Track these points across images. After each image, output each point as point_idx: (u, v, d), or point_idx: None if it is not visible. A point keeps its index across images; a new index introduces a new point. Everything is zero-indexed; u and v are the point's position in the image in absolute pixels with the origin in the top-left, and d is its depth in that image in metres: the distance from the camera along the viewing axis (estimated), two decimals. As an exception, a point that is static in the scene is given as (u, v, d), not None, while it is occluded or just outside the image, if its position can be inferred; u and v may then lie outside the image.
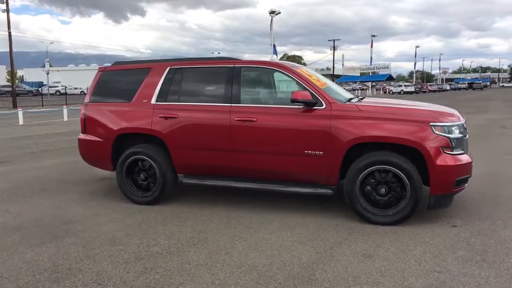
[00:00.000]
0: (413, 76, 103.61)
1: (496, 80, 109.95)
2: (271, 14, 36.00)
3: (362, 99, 4.67)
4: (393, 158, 3.93)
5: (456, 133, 3.92)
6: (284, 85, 5.13)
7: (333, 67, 72.19)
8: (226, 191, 5.32)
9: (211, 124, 4.56)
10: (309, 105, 4.17)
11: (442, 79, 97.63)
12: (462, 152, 3.99)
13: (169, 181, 4.82)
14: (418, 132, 3.87)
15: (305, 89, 4.23)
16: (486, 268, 3.09)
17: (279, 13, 36.59)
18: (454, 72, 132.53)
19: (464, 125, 4.10)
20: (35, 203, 5.13)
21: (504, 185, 5.42)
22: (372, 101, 4.58)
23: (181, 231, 4.06)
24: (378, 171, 4.01)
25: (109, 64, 5.59)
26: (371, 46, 57.04)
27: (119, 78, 5.23)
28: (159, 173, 4.79)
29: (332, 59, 71.13)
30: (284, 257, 3.39)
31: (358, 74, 77.64)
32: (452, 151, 3.89)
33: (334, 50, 73.77)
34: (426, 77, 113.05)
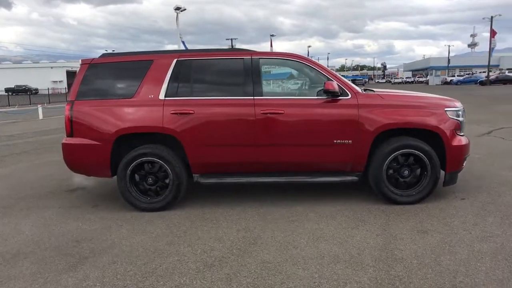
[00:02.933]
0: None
1: (372, 76, 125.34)
2: (177, 11, 35.06)
3: (371, 89, 4.95)
4: (415, 142, 4.30)
5: (461, 117, 4.47)
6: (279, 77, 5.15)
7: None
8: (231, 188, 5.15)
9: (234, 119, 4.34)
10: (336, 96, 4.29)
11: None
12: (463, 133, 4.57)
13: (183, 183, 4.45)
14: (437, 117, 4.30)
15: (331, 80, 4.33)
16: (520, 228, 3.63)
17: (185, 9, 35.86)
18: (337, 70, 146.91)
19: (464, 110, 4.69)
20: (13, 224, 4.24)
21: (470, 162, 6.27)
22: (384, 91, 4.89)
23: (224, 232, 3.81)
24: (401, 155, 4.34)
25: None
26: (271, 46, 59.53)
27: (112, 72, 4.60)
28: (172, 175, 4.39)
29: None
30: (352, 243, 3.46)
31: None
32: (460, 133, 4.44)
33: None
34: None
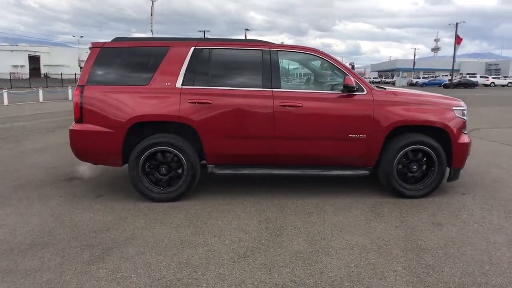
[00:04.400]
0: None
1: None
2: (152, -1, 34.20)
3: (382, 87, 5.07)
4: (425, 139, 4.47)
5: (466, 116, 4.70)
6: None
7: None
8: (239, 180, 5.15)
9: (252, 110, 4.32)
10: (354, 91, 4.38)
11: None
12: (467, 132, 4.80)
13: (198, 173, 4.39)
14: (447, 115, 4.49)
15: (348, 75, 4.41)
16: (526, 221, 3.89)
17: (160, -2, 34.96)
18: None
19: (467, 109, 4.91)
20: (17, 214, 4.02)
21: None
22: (396, 89, 5.03)
23: (246, 223, 3.81)
24: (411, 151, 4.50)
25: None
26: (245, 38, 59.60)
27: (125, 57, 4.43)
28: (187, 165, 4.32)
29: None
30: (375, 234, 3.56)
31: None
32: (465, 131, 4.66)
33: (205, 41, 75.04)
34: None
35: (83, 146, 4.37)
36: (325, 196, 4.62)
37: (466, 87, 44.86)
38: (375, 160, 4.54)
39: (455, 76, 53.81)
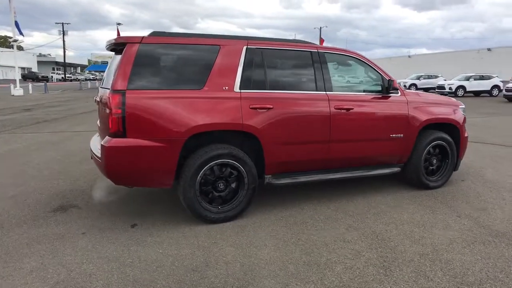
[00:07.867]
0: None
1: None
2: (7, -17, 28.64)
3: None
4: (444, 135, 5.00)
5: (465, 113, 5.42)
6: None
7: (64, 54, 68.43)
8: (271, 187, 4.88)
9: (313, 114, 4.13)
10: (393, 93, 4.60)
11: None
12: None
13: (257, 186, 3.99)
14: (457, 113, 5.11)
15: (387, 78, 4.60)
16: (533, 199, 4.72)
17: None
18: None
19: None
20: (55, 265, 3.03)
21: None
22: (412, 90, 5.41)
23: (337, 233, 3.65)
24: (432, 146, 4.98)
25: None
26: (118, 34, 55.07)
27: (172, 56, 3.70)
28: (248, 178, 3.89)
29: (62, 46, 67.68)
30: (455, 226, 3.82)
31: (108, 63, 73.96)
32: (465, 127, 5.38)
33: (63, 35, 67.82)
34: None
35: (126, 166, 3.47)
36: (365, 196, 4.73)
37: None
38: (407, 157, 4.87)
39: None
